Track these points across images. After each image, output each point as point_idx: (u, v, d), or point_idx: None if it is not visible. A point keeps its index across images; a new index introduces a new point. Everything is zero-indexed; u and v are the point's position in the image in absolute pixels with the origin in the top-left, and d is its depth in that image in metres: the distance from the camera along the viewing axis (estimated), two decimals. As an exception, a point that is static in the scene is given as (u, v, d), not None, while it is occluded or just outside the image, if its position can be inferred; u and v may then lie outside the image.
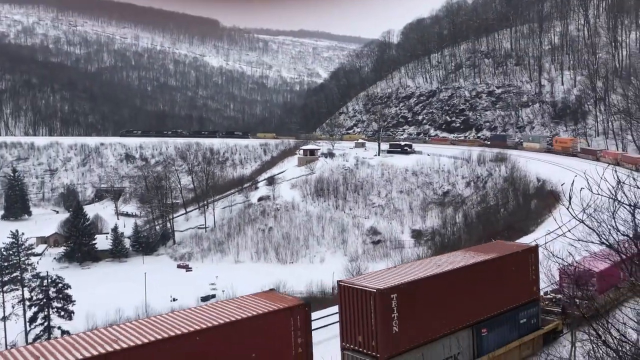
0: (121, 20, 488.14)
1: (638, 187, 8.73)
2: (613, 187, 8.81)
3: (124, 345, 13.61)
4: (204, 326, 14.79)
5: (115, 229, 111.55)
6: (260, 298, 17.25)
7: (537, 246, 24.37)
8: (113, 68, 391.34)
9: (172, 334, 14.28)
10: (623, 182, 8.76)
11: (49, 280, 60.31)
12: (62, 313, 59.44)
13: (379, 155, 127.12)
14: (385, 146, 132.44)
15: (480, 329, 21.46)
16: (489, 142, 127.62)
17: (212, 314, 15.74)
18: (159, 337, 14.12)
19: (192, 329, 14.52)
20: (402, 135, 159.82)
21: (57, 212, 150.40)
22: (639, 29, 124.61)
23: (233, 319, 15.32)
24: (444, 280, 20.27)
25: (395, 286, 18.35)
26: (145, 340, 13.88)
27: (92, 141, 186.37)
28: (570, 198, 8.90)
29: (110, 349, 13.41)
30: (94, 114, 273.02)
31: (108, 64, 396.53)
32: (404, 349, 18.58)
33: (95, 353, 13.17)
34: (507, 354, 22.28)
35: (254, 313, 15.70)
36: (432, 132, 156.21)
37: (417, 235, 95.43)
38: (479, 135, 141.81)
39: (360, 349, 18.53)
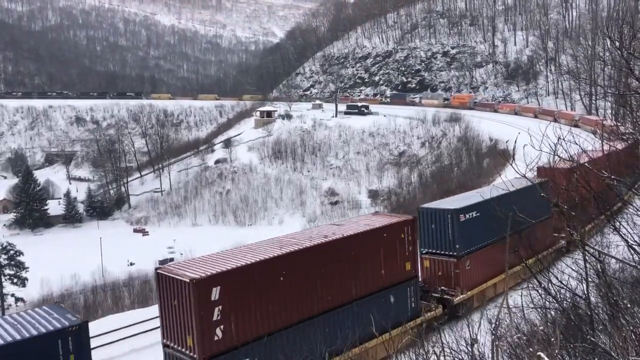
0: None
1: (576, 143, 9.22)
2: (553, 143, 9.29)
3: None
4: None
5: (67, 194, 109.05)
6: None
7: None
8: (59, 27, 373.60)
9: None
10: (563, 139, 9.23)
11: (0, 247, 58.90)
12: (15, 280, 58.41)
13: (336, 116, 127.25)
14: (342, 107, 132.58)
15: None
16: (389, 100, 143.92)
17: None
18: None
19: None
20: (359, 95, 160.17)
21: (5, 177, 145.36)
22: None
23: None
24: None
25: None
26: None
27: (39, 103, 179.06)
28: (514, 154, 9.32)
29: None
30: (40, 75, 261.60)
31: (53, 23, 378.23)
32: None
33: None
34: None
35: None
36: (387, 92, 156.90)
37: (373, 195, 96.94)
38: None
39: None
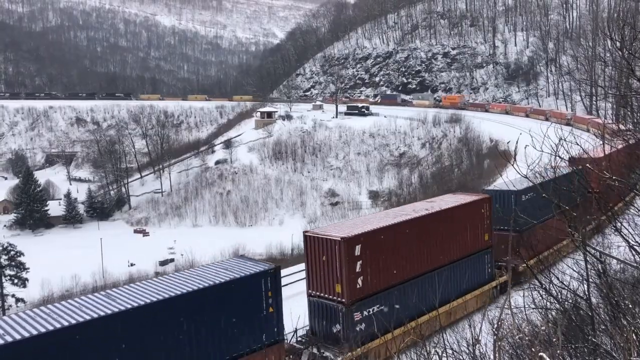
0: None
1: (577, 144, 9.21)
2: (555, 144, 9.28)
3: None
4: None
5: (68, 195, 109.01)
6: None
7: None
8: (59, 28, 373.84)
9: None
10: (564, 139, 9.23)
11: (0, 248, 58.85)
12: (16, 281, 58.32)
13: (336, 117, 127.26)
14: (342, 108, 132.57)
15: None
16: (379, 101, 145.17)
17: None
18: None
19: None
20: (359, 96, 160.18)
21: (6, 178, 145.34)
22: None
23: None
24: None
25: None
26: None
27: (40, 104, 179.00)
28: (515, 155, 9.32)
29: None
30: (40, 76, 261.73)
31: (54, 24, 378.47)
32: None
33: None
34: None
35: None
36: (387, 93, 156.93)
37: (374, 196, 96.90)
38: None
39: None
